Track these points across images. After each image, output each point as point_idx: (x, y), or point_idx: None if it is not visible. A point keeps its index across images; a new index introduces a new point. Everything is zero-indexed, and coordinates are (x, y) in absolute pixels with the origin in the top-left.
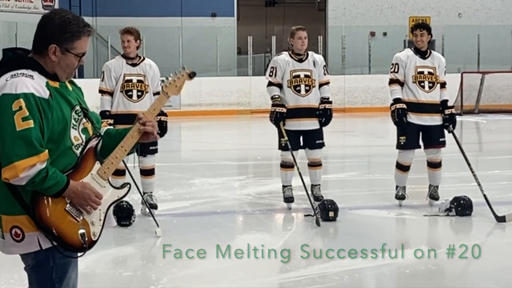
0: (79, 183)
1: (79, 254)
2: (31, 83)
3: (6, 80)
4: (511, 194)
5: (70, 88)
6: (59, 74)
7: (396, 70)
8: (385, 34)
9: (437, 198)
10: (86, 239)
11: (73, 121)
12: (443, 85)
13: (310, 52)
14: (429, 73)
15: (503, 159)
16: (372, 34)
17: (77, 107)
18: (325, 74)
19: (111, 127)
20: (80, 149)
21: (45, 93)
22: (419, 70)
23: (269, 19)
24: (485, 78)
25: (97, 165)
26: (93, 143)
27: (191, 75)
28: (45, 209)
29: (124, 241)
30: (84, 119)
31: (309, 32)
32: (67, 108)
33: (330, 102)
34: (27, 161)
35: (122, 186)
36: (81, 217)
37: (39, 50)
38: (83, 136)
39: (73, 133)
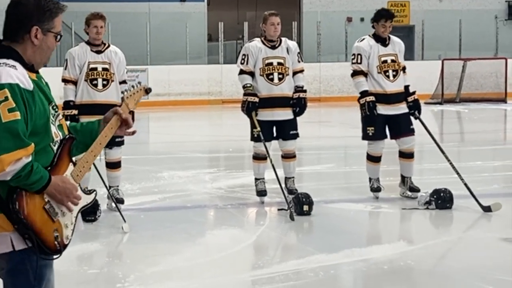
0: (59, 178)
1: (54, 256)
2: (15, 73)
3: None
4: (494, 186)
5: (43, 82)
6: (37, 61)
7: (359, 61)
8: (362, 19)
9: (418, 190)
10: (59, 241)
11: (51, 116)
12: (403, 69)
13: (283, 39)
14: (392, 61)
15: (485, 150)
16: (349, 19)
17: (53, 103)
18: (299, 62)
19: (73, 122)
20: (56, 146)
21: (29, 85)
22: (382, 59)
23: (241, 4)
24: (467, 65)
25: (71, 167)
26: (68, 142)
27: (147, 90)
28: (22, 206)
29: (89, 237)
30: (60, 115)
31: (282, 17)
32: (45, 103)
33: (305, 91)
34: (14, 154)
35: (90, 192)
36: (57, 218)
37: (16, 36)
38: (60, 133)
39: (53, 128)
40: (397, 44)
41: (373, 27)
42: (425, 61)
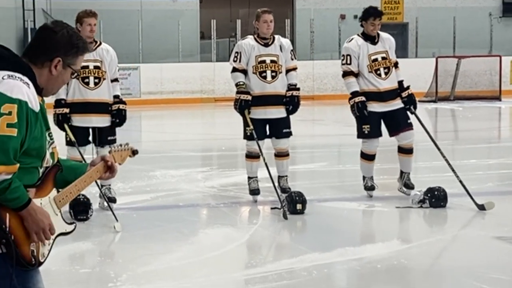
0: (39, 208)
1: (26, 269)
2: (27, 91)
3: (2, 78)
4: (489, 184)
5: (44, 108)
6: (48, 89)
7: (348, 62)
8: (356, 17)
9: (412, 187)
10: (36, 255)
11: (46, 143)
12: (395, 65)
13: (276, 36)
14: (383, 58)
15: (480, 148)
16: (342, 17)
17: (50, 130)
18: (292, 59)
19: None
20: (43, 170)
21: (36, 106)
22: (372, 58)
23: (233, 2)
24: (461, 63)
25: (54, 192)
26: (54, 169)
27: (134, 152)
28: (5, 212)
29: (81, 237)
30: (54, 143)
31: (276, 15)
32: (44, 128)
33: (298, 89)
34: None
35: (71, 223)
36: None
37: (37, 60)
38: (50, 161)
39: (47, 154)
40: (386, 41)
41: (361, 25)
42: (419, 59)
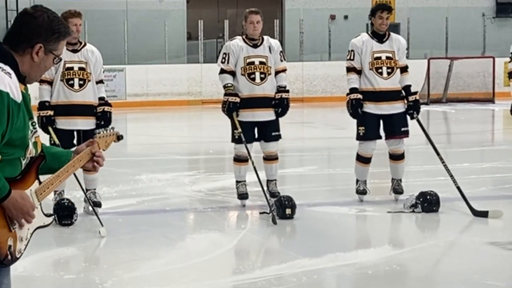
0: (19, 193)
1: (2, 265)
2: (9, 82)
3: None
4: (482, 189)
5: (28, 95)
6: (30, 76)
7: (351, 58)
8: (346, 17)
9: (401, 192)
10: (12, 250)
11: (29, 132)
12: (404, 69)
13: (265, 37)
14: (387, 58)
15: (472, 151)
16: (332, 17)
17: (33, 119)
18: (281, 61)
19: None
20: (25, 161)
21: (18, 97)
22: (376, 55)
23: (221, 2)
24: (453, 65)
25: (36, 184)
26: (37, 160)
27: (119, 138)
28: None
29: (65, 242)
30: (37, 132)
31: (264, 15)
32: (27, 117)
33: (287, 91)
34: None
35: (49, 215)
36: (14, 229)
37: (17, 47)
38: (34, 151)
39: (30, 145)
40: (396, 41)
41: (372, 24)
42: (410, 60)
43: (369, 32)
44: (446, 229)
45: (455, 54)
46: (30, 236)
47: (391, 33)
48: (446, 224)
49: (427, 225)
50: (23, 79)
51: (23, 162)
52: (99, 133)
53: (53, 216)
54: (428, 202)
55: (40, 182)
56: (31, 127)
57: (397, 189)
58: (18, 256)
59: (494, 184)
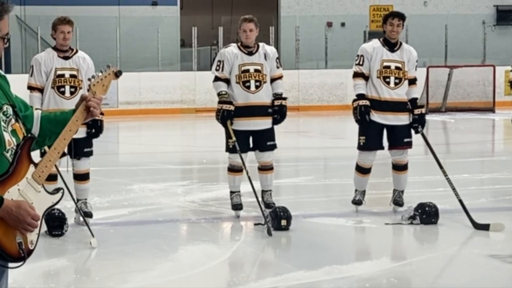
0: (14, 203)
1: (17, 264)
2: None
3: None
4: (481, 200)
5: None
6: None
7: (361, 63)
8: (343, 24)
9: (401, 204)
10: (24, 247)
11: (2, 123)
12: (412, 81)
13: (261, 44)
14: (396, 68)
15: (472, 162)
16: (329, 24)
17: (5, 107)
18: (278, 68)
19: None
20: (10, 153)
21: None
22: (385, 64)
23: (215, 8)
24: (453, 73)
25: (32, 168)
26: (26, 145)
27: (117, 74)
28: None
29: (56, 253)
30: (12, 119)
31: (259, 22)
32: None
33: (285, 98)
34: None
35: (56, 191)
36: None
37: None
38: (14, 140)
39: (6, 136)
40: (406, 52)
41: (384, 32)
42: None
43: (381, 39)
44: (445, 241)
45: (455, 63)
46: (40, 222)
47: (403, 43)
48: (445, 236)
49: (425, 238)
50: None
51: (8, 155)
52: (93, 78)
53: (61, 191)
54: (427, 214)
55: (36, 165)
56: (3, 116)
57: (398, 201)
58: (31, 248)
59: (494, 195)
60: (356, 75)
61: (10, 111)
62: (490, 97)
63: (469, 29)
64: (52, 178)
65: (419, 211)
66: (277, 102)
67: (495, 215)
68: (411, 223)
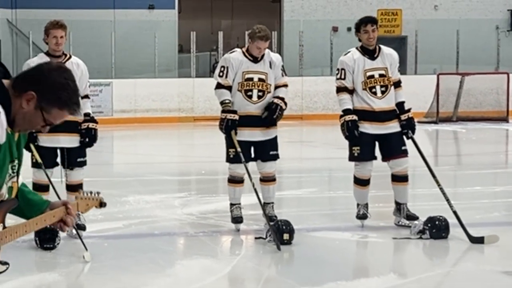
0: None
1: None
2: None
3: None
4: (494, 214)
5: (16, 136)
6: (17, 123)
7: (342, 77)
8: (349, 29)
9: (416, 217)
10: None
11: (7, 176)
12: (397, 84)
13: (266, 51)
14: (380, 75)
15: (485, 174)
16: (335, 29)
17: (15, 162)
18: (283, 76)
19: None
20: None
21: (1, 139)
22: (368, 74)
23: (215, 12)
24: (464, 81)
25: (0, 227)
26: (9, 204)
27: (102, 205)
28: None
29: (47, 267)
30: (15, 177)
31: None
32: (7, 161)
33: (285, 103)
34: None
35: (4, 263)
36: None
37: (18, 87)
38: (6, 196)
39: (3, 189)
40: (387, 56)
41: (359, 39)
42: (418, 76)
43: (359, 48)
44: (456, 257)
45: (467, 70)
46: None
47: (382, 47)
48: (456, 251)
49: (435, 253)
50: (11, 122)
51: None
52: (83, 193)
53: (6, 266)
54: (436, 228)
55: (4, 227)
56: (10, 171)
57: (411, 215)
58: None
59: (507, 209)
60: (339, 89)
61: (17, 168)
62: (503, 106)
63: (482, 34)
64: (44, 188)
65: (429, 225)
66: (273, 100)
67: (508, 229)
68: (420, 237)
